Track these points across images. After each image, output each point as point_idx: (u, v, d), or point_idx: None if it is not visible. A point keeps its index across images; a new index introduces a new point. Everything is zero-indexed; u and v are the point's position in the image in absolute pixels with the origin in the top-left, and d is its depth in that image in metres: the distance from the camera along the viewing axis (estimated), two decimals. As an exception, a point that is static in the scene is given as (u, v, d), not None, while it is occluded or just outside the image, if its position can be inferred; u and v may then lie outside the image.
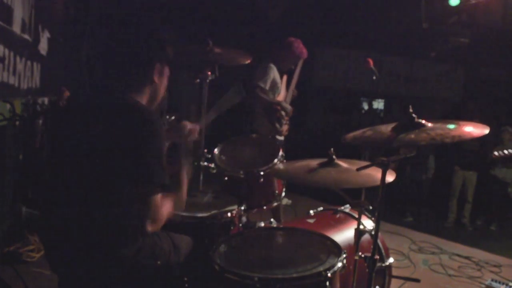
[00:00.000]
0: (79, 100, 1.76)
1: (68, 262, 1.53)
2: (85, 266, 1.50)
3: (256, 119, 3.93)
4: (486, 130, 1.61)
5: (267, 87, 3.79)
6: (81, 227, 1.48)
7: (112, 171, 1.46)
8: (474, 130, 1.63)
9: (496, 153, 2.82)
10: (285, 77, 4.04)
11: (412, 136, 1.63)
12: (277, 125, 3.87)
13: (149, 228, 1.49)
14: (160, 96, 1.71)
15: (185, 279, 1.77)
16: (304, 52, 3.96)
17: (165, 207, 1.54)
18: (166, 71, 1.69)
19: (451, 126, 1.69)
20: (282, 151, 2.63)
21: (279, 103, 3.86)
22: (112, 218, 1.47)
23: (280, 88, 3.96)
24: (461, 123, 1.70)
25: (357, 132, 1.87)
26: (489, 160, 5.52)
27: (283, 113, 3.86)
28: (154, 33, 1.63)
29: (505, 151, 2.86)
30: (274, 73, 3.85)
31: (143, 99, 1.62)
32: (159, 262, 1.59)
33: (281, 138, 3.99)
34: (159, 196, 1.49)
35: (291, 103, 4.03)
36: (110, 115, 1.52)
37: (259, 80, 3.78)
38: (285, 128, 3.95)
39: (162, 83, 1.69)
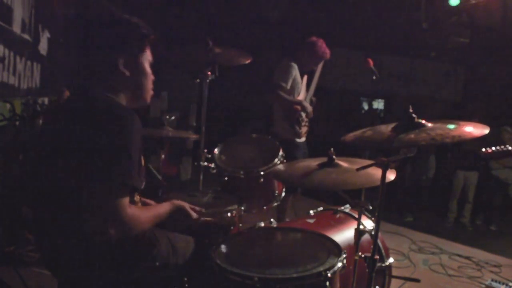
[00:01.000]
0: (64, 102, 1.75)
1: (62, 264, 1.52)
2: (79, 269, 1.49)
3: (275, 122, 3.81)
4: (486, 130, 1.61)
5: (288, 86, 3.66)
6: (64, 231, 1.46)
7: (78, 170, 1.38)
8: (474, 130, 1.63)
9: (484, 149, 2.78)
10: (305, 78, 3.92)
11: (412, 136, 1.62)
12: (296, 127, 3.71)
13: (112, 232, 1.35)
14: (146, 92, 1.62)
15: (185, 279, 1.77)
16: (327, 53, 3.80)
17: (137, 213, 1.44)
18: (142, 63, 1.58)
19: (451, 126, 1.69)
20: (282, 153, 2.61)
21: (300, 103, 3.72)
22: (82, 221, 1.40)
23: (300, 88, 3.82)
24: (461, 123, 1.71)
25: (357, 132, 1.87)
26: (480, 157, 5.44)
27: (303, 114, 3.73)
28: (115, 26, 1.52)
29: (493, 148, 2.83)
30: (295, 72, 3.71)
31: (122, 97, 1.55)
32: (157, 264, 1.59)
33: (301, 140, 3.83)
34: (125, 199, 1.37)
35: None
36: (80, 114, 1.46)
37: (280, 80, 3.64)
38: (304, 130, 3.79)
39: (139, 76, 1.58)
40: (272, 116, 3.84)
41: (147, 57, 1.61)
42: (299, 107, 3.70)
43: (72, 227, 1.44)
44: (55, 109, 1.70)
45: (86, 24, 1.56)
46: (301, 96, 3.81)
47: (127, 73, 1.53)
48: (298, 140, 3.78)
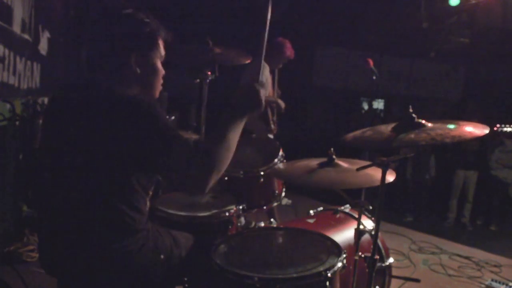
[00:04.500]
0: (65, 96, 1.64)
1: (68, 261, 1.51)
2: (88, 265, 1.48)
3: (250, 120, 3.96)
4: (486, 130, 1.61)
5: None
6: (83, 226, 1.47)
7: (125, 166, 1.43)
8: (474, 130, 1.63)
9: (498, 127, 2.78)
10: (270, 76, 4.20)
11: (412, 136, 1.63)
12: (271, 125, 4.07)
13: (193, 171, 1.44)
14: (155, 89, 1.64)
15: (185, 279, 1.76)
16: (293, 53, 4.14)
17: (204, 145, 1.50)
18: (154, 61, 1.60)
19: (451, 126, 1.69)
20: (282, 153, 2.64)
21: (275, 101, 4.04)
22: (116, 213, 1.46)
23: (268, 87, 4.10)
24: (461, 123, 1.71)
25: (357, 132, 1.87)
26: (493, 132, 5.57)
27: (269, 112, 4.08)
28: (128, 22, 1.53)
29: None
30: (266, 72, 3.96)
31: (131, 92, 1.54)
32: (162, 256, 1.58)
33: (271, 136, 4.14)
34: (185, 144, 1.43)
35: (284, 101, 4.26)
36: (103, 111, 1.45)
37: None
38: (275, 127, 4.20)
39: (150, 74, 1.60)
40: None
41: (159, 55, 1.62)
42: (274, 105, 4.05)
43: (87, 222, 1.46)
44: (59, 104, 1.62)
45: (98, 19, 1.57)
46: (269, 93, 4.10)
47: (138, 71, 1.55)
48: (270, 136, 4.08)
